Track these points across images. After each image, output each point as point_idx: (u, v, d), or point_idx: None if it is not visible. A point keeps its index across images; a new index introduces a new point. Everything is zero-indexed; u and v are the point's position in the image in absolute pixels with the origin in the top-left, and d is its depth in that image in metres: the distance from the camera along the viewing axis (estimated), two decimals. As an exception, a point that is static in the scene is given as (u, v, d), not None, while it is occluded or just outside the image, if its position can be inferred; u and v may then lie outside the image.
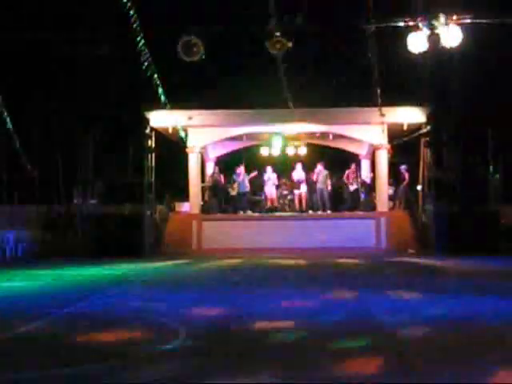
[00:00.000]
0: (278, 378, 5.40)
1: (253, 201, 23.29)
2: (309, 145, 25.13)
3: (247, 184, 22.88)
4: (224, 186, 23.17)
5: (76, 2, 21.51)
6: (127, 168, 21.29)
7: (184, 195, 22.70)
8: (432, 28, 15.26)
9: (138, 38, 14.87)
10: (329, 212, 22.30)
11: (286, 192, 23.63)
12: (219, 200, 22.89)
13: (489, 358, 5.92)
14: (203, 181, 23.74)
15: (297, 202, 23.15)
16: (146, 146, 21.52)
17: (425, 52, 15.89)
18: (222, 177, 23.36)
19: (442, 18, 15.03)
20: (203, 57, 15.55)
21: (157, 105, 19.71)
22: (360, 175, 23.38)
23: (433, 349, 6.35)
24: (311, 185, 22.90)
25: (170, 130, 21.81)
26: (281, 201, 23.55)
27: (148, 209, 21.20)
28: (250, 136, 24.19)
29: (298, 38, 15.74)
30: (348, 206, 22.86)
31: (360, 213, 22.14)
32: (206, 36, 15.59)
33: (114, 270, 15.72)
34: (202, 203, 22.78)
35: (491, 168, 20.71)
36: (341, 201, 23.17)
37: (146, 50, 15.52)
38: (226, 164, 24.52)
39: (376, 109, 20.28)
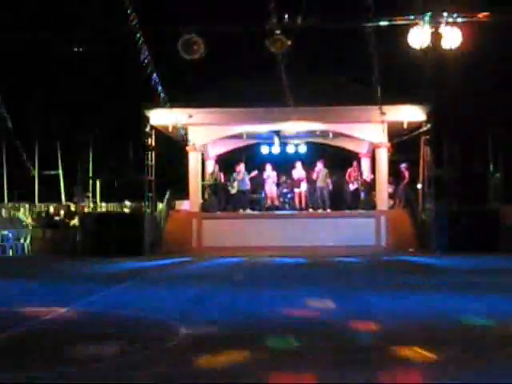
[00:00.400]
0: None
1: (253, 199, 23.27)
2: (309, 143, 25.12)
3: (247, 182, 22.86)
4: (224, 185, 23.16)
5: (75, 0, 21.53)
6: (127, 166, 21.29)
7: (184, 193, 22.69)
8: (434, 26, 15.25)
9: (138, 36, 14.85)
10: (329, 210, 22.28)
11: (285, 190, 23.63)
12: (219, 198, 22.89)
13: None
14: (203, 179, 23.74)
15: (297, 200, 23.14)
16: (146, 144, 21.51)
17: (425, 50, 15.87)
18: (222, 175, 23.35)
19: (444, 17, 15.01)
20: (203, 55, 15.52)
21: (157, 103, 19.70)
22: (361, 174, 23.36)
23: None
24: (311, 183, 22.88)
25: (170, 129, 21.79)
26: (281, 199, 23.55)
27: (148, 207, 21.21)
28: (250, 134, 24.18)
29: (298, 36, 15.71)
30: (348, 204, 22.86)
31: (360, 211, 22.12)
32: (206, 34, 15.56)
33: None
34: (202, 201, 22.77)
35: (491, 167, 20.71)
36: (341, 199, 23.16)
37: (146, 48, 15.48)
38: (226, 162, 24.50)
39: (376, 107, 20.25)
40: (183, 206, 23.06)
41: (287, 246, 20.54)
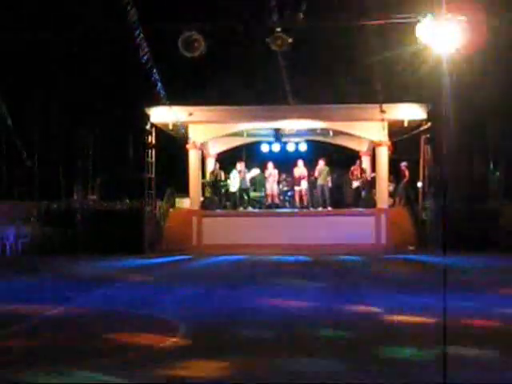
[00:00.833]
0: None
1: (253, 197, 23.27)
2: (309, 141, 25.14)
3: (247, 181, 22.86)
4: (224, 183, 23.16)
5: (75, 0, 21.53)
6: (127, 164, 21.29)
7: (184, 191, 22.68)
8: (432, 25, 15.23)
9: (138, 34, 14.83)
10: (329, 209, 22.29)
11: (286, 188, 23.63)
12: (219, 196, 22.89)
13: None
14: (203, 177, 23.74)
15: (297, 198, 23.15)
16: (146, 142, 21.49)
17: (425, 49, 15.85)
18: (222, 173, 23.35)
19: (442, 16, 14.99)
20: (204, 52, 15.51)
21: (157, 101, 19.68)
22: (363, 172, 23.34)
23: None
24: (313, 181, 22.89)
25: (171, 126, 21.78)
26: (281, 197, 23.55)
27: (148, 205, 21.20)
28: (250, 132, 24.19)
29: (299, 34, 15.70)
30: (349, 202, 22.88)
31: (360, 210, 22.12)
32: (206, 32, 15.55)
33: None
34: (202, 199, 22.77)
35: (491, 166, 20.72)
36: (342, 197, 23.17)
37: (146, 46, 15.47)
38: (227, 160, 24.50)
39: (376, 105, 20.24)
40: (183, 203, 23.04)
41: (287, 244, 20.54)
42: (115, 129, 23.13)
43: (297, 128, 23.39)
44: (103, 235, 19.77)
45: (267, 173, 23.17)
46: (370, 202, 22.27)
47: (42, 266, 16.31)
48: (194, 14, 17.53)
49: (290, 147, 25.05)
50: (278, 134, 24.01)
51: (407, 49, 16.12)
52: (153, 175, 21.43)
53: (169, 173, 22.89)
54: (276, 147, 24.91)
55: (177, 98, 20.12)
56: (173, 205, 23.18)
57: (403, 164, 22.57)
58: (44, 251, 19.93)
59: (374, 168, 23.22)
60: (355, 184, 23.09)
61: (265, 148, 25.18)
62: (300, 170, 23.04)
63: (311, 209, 22.71)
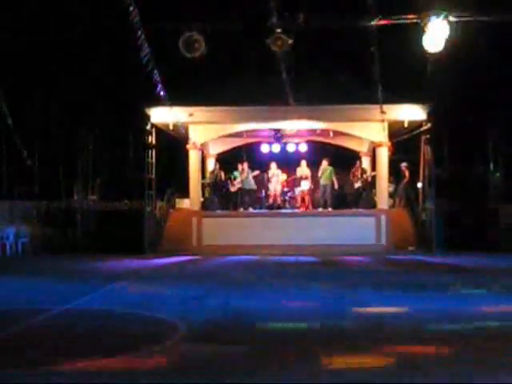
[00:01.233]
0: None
1: (254, 198, 23.27)
2: (309, 142, 25.15)
3: (252, 181, 22.87)
4: (225, 183, 23.16)
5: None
6: (128, 164, 21.29)
7: (184, 192, 22.69)
8: (430, 25, 15.22)
9: (139, 34, 14.82)
10: (330, 209, 22.29)
11: (286, 189, 23.64)
12: (220, 197, 22.89)
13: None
14: (204, 177, 23.74)
15: (299, 199, 23.16)
16: (146, 142, 21.50)
17: (427, 51, 15.83)
18: (222, 174, 23.35)
19: (435, 15, 14.98)
20: (204, 53, 15.50)
21: (157, 101, 19.67)
22: (364, 173, 23.33)
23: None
24: (315, 182, 22.93)
25: (171, 127, 21.77)
26: (281, 198, 23.56)
27: (148, 205, 21.20)
28: (250, 133, 24.20)
29: (299, 35, 15.69)
30: (349, 203, 22.89)
31: (360, 210, 22.13)
32: (207, 32, 15.54)
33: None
34: (202, 200, 22.78)
35: (491, 166, 20.73)
36: (344, 198, 23.18)
37: (147, 46, 15.46)
38: (227, 161, 24.51)
39: (377, 106, 20.22)
40: (183, 204, 23.04)
41: (287, 244, 20.55)
42: (115, 129, 23.13)
43: (297, 128, 23.41)
44: (103, 235, 19.79)
45: (270, 173, 23.18)
46: (371, 203, 22.28)
47: (42, 266, 16.32)
48: (194, 15, 17.52)
49: (290, 148, 25.06)
50: (278, 135, 24.02)
51: (407, 49, 16.11)
52: (153, 175, 21.43)
53: (169, 173, 22.89)
54: (276, 148, 24.92)
55: (177, 98, 20.11)
56: (173, 205, 23.20)
57: (403, 164, 22.58)
58: (44, 251, 19.95)
59: (374, 168, 23.23)
60: (356, 185, 23.11)
61: (265, 149, 25.19)
62: (303, 170, 23.03)
63: (311, 209, 22.71)
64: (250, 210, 22.64)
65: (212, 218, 21.87)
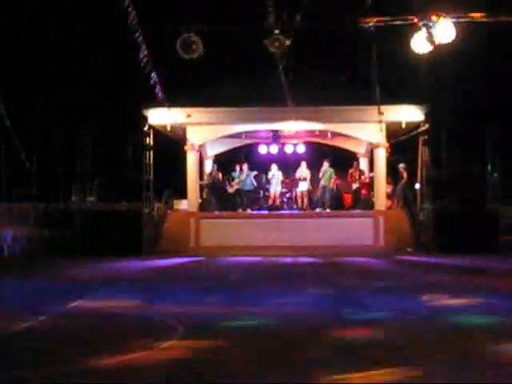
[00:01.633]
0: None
1: (251, 199, 23.28)
2: (307, 143, 25.16)
3: (253, 182, 22.87)
4: (222, 184, 23.17)
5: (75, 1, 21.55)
6: (126, 165, 21.29)
7: (182, 193, 22.69)
8: (429, 26, 15.23)
9: (137, 35, 14.83)
10: (328, 210, 22.30)
11: (284, 190, 23.65)
12: (218, 198, 22.89)
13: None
14: (202, 179, 23.75)
15: (299, 200, 23.18)
16: (144, 143, 21.51)
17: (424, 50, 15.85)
18: (220, 175, 23.36)
19: (436, 16, 15.00)
20: (202, 54, 15.50)
21: (155, 103, 19.69)
22: (362, 174, 23.35)
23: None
24: (315, 183, 22.96)
25: (169, 128, 21.79)
26: (280, 199, 23.56)
27: (146, 206, 21.21)
28: (248, 134, 24.21)
29: (297, 36, 15.69)
30: (347, 204, 22.91)
31: (358, 211, 22.15)
32: (204, 33, 15.55)
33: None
34: (200, 201, 22.78)
35: (489, 167, 20.73)
36: (341, 199, 23.20)
37: (145, 47, 15.47)
38: (225, 162, 24.52)
39: (374, 107, 20.25)
40: (181, 205, 23.05)
41: (285, 245, 20.57)
42: (113, 130, 23.13)
43: (295, 130, 23.43)
44: (101, 237, 19.76)
45: (270, 174, 23.18)
46: (368, 204, 22.31)
47: (40, 267, 16.32)
48: (192, 16, 17.53)
49: (288, 149, 25.08)
50: (276, 136, 24.04)
51: (405, 50, 16.10)
52: (151, 177, 21.44)
53: (167, 174, 22.90)
54: (274, 149, 24.93)
55: (175, 99, 20.14)
56: (171, 206, 23.21)
57: (401, 165, 22.59)
58: (42, 253, 19.94)
59: (372, 170, 23.26)
60: (354, 186, 23.13)
61: (263, 150, 25.20)
62: (303, 171, 23.03)
63: (308, 210, 22.72)
64: (248, 211, 22.65)
65: (210, 219, 21.88)
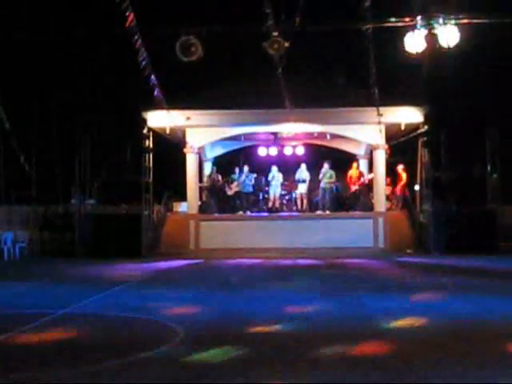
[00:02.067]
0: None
1: (251, 201, 23.28)
2: (306, 145, 25.15)
3: (252, 184, 22.86)
4: (222, 186, 23.16)
5: (75, 2, 21.54)
6: (125, 168, 21.28)
7: (182, 195, 22.69)
8: (430, 28, 15.25)
9: (136, 38, 14.82)
10: (327, 212, 22.29)
11: (283, 192, 23.64)
12: (217, 200, 22.89)
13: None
14: (201, 181, 23.74)
15: (299, 201, 23.17)
16: (143, 146, 21.50)
17: (422, 52, 15.86)
18: (219, 177, 23.35)
19: (440, 18, 15.02)
20: (201, 57, 15.50)
21: (154, 105, 19.68)
22: (361, 175, 23.34)
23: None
24: (315, 184, 22.95)
25: (168, 131, 21.78)
26: (279, 200, 23.55)
27: (146, 209, 21.19)
28: (248, 136, 24.21)
29: (296, 38, 15.70)
30: (346, 206, 22.91)
31: (358, 213, 22.15)
32: (204, 36, 15.55)
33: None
34: (199, 203, 22.77)
35: (489, 168, 20.73)
36: (342, 201, 23.20)
37: (144, 50, 15.45)
38: (224, 164, 24.51)
39: (373, 109, 20.23)
40: (181, 207, 23.05)
41: (285, 247, 20.56)
42: (113, 133, 23.12)
43: (294, 131, 23.42)
44: (101, 239, 19.75)
45: (270, 176, 23.18)
46: (368, 206, 22.30)
47: (39, 270, 16.30)
48: (191, 18, 17.55)
49: (288, 151, 25.07)
50: (275, 138, 24.05)
51: (403, 52, 16.11)
52: (150, 179, 21.44)
53: (166, 177, 22.90)
54: (273, 151, 24.93)
55: (174, 102, 20.13)
56: (170, 209, 23.21)
57: (400, 167, 22.60)
58: (42, 255, 19.93)
59: (371, 171, 23.24)
60: (353, 188, 23.12)
61: (262, 152, 25.20)
62: (303, 173, 23.02)
63: (308, 213, 22.71)
64: (248, 213, 22.64)
65: (210, 222, 21.88)
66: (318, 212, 22.52)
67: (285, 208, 23.48)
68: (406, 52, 15.79)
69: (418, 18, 15.23)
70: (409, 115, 21.37)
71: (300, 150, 24.99)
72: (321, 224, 21.58)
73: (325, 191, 22.52)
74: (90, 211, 21.29)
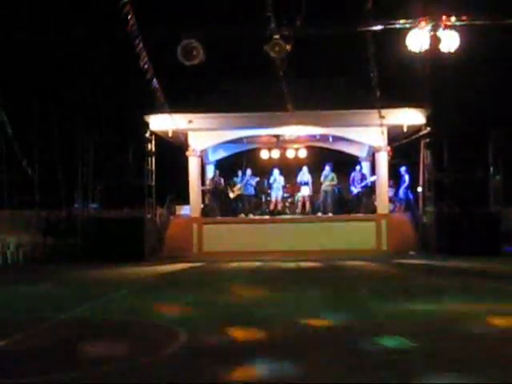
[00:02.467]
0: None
1: (253, 203, 23.29)
2: (309, 147, 25.17)
3: (252, 187, 22.88)
4: (224, 189, 23.18)
5: (76, 4, 21.56)
6: (127, 172, 21.31)
7: (184, 199, 22.70)
8: (432, 30, 15.26)
9: (138, 41, 14.83)
10: (330, 214, 22.29)
11: (286, 195, 23.65)
12: (219, 203, 22.90)
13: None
14: (203, 184, 23.76)
15: (300, 204, 23.17)
16: (145, 149, 21.53)
17: (424, 53, 15.86)
18: (222, 180, 23.37)
19: (441, 20, 15.03)
20: (203, 60, 15.51)
21: (157, 108, 19.71)
22: (364, 178, 23.34)
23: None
24: (316, 187, 22.96)
25: (170, 134, 21.82)
26: (282, 203, 23.56)
27: (148, 212, 21.21)
28: (250, 139, 24.22)
29: (297, 41, 15.71)
30: (350, 208, 22.91)
31: (361, 215, 22.14)
32: (206, 39, 15.57)
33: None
34: (202, 206, 22.79)
35: (491, 169, 20.71)
36: (345, 203, 23.20)
37: (146, 53, 15.47)
38: (227, 167, 24.52)
39: (375, 111, 20.25)
40: (183, 211, 23.07)
41: (288, 250, 20.57)
42: (115, 136, 23.14)
43: (296, 134, 23.43)
44: (104, 243, 19.77)
45: (272, 179, 23.20)
46: (371, 208, 22.29)
47: (43, 274, 16.31)
48: (193, 22, 17.56)
49: (290, 153, 25.09)
50: (277, 141, 24.06)
51: (405, 54, 16.12)
52: (153, 183, 21.46)
53: (169, 180, 22.91)
54: (276, 153, 24.95)
55: (176, 105, 20.15)
56: (173, 212, 23.22)
57: (403, 169, 22.60)
58: (45, 260, 19.94)
59: (374, 173, 23.24)
60: (356, 190, 23.13)
61: (264, 154, 25.22)
62: (305, 175, 23.02)
63: (310, 215, 22.71)
64: (250, 216, 22.65)
65: (212, 225, 21.89)
66: (320, 214, 22.51)
67: (287, 211, 23.49)
68: (409, 53, 15.79)
69: (421, 20, 15.25)
70: (411, 117, 21.38)
71: (302, 153, 25.01)
72: (323, 226, 21.58)
73: (326, 193, 22.53)
74: (92, 215, 21.32)
